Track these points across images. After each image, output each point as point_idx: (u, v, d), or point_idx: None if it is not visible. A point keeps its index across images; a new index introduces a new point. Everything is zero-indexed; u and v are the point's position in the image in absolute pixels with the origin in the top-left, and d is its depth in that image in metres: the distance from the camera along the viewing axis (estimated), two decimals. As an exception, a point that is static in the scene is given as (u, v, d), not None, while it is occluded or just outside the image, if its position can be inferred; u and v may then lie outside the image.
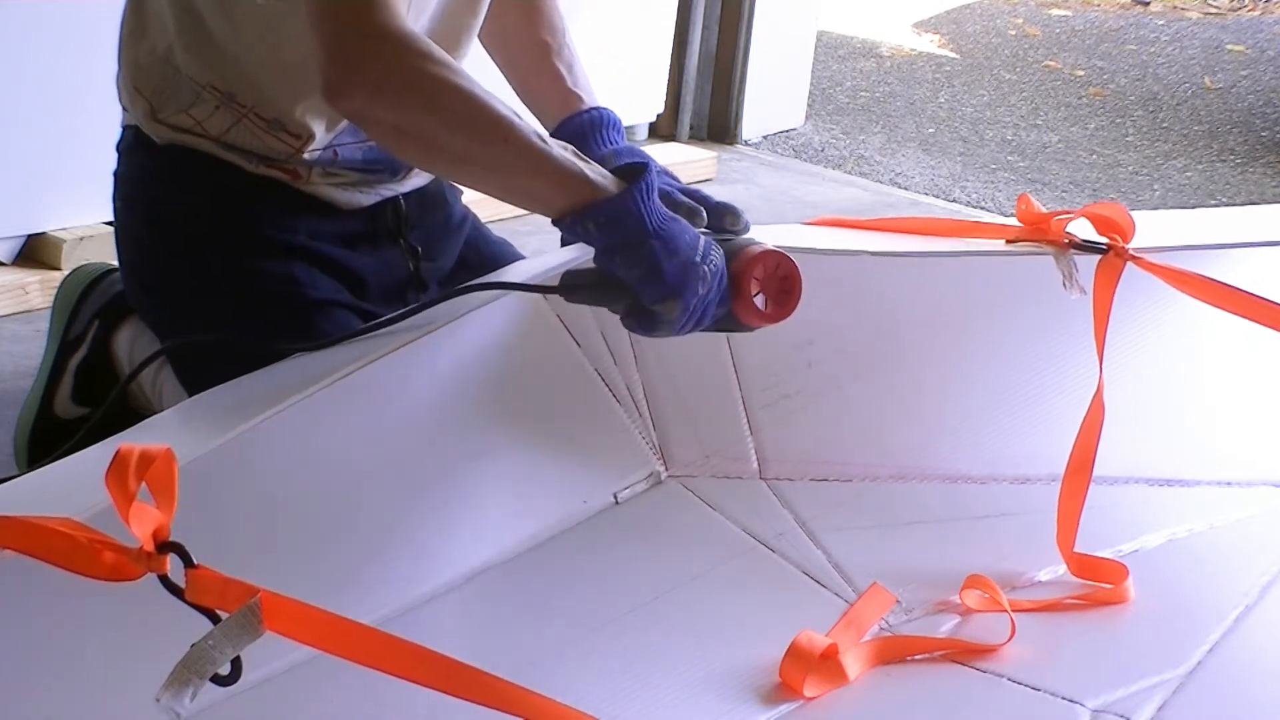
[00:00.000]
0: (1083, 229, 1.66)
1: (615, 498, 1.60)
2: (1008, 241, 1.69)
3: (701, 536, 1.57)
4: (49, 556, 0.93)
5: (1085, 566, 1.53)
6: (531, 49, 1.77)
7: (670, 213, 1.43)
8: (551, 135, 1.67)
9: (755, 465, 1.69)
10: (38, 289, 2.54)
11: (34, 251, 2.61)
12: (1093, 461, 1.52)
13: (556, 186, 1.41)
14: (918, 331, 1.71)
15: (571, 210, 1.40)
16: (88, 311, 1.93)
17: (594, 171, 1.42)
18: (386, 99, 1.40)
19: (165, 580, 0.94)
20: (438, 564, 1.43)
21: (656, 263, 1.38)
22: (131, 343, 1.88)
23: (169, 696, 0.88)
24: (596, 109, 1.72)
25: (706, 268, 1.40)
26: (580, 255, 1.54)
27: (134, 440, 0.98)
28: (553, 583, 1.46)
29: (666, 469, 1.66)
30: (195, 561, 0.94)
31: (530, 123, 1.46)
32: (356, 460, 1.41)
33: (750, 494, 1.65)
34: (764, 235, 1.69)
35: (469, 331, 1.51)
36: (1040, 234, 1.67)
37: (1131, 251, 1.61)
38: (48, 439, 1.89)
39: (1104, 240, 1.63)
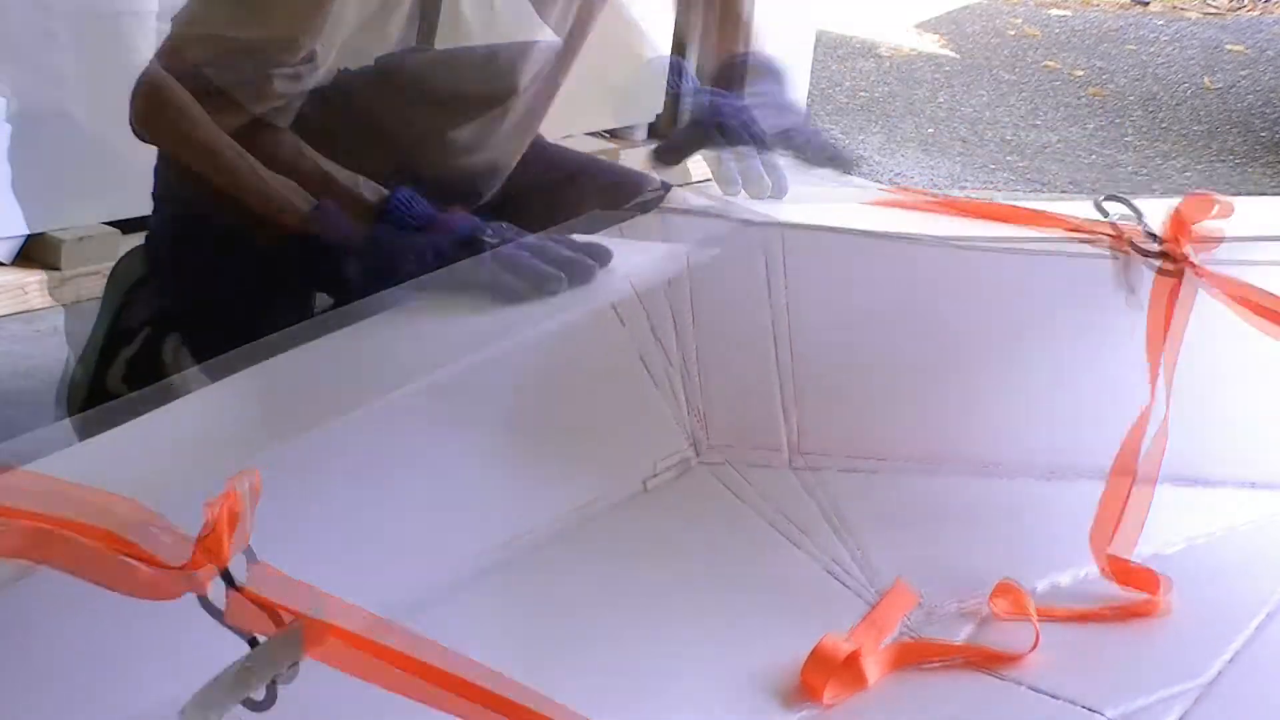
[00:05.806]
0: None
1: (645, 485, 1.59)
2: (1068, 229, 1.65)
3: (728, 528, 1.56)
4: (85, 572, 0.91)
5: (1122, 572, 1.50)
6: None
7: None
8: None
9: (786, 452, 1.67)
10: (37, 289, 2.53)
11: (34, 251, 2.59)
12: (1134, 472, 1.49)
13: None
14: (963, 319, 1.70)
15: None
16: (141, 312, 1.92)
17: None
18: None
19: (205, 601, 0.92)
20: (466, 543, 1.42)
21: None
22: (177, 349, 1.89)
23: (194, 713, 0.85)
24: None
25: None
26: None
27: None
28: (577, 574, 1.45)
29: (697, 454, 1.65)
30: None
31: None
32: (381, 436, 1.38)
33: (779, 483, 1.64)
34: (819, 212, 1.69)
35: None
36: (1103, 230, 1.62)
37: (1194, 260, 1.55)
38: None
39: (1162, 249, 1.57)
